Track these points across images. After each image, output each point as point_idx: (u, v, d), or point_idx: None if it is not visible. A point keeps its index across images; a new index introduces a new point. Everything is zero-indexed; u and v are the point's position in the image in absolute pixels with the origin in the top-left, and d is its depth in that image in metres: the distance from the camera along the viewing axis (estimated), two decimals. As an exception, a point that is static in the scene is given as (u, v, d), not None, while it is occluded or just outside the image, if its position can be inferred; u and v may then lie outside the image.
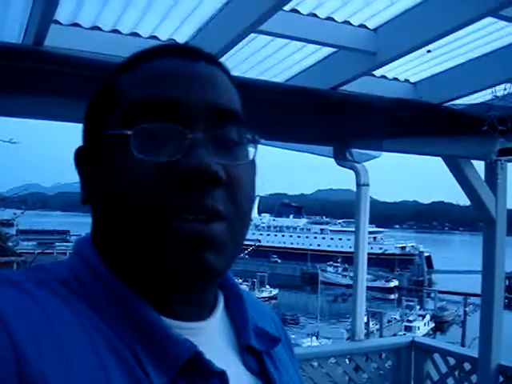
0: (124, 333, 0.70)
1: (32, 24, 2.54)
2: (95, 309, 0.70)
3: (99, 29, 2.78)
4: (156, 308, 0.73)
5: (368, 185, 4.41)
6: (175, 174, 0.68)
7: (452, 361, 4.38)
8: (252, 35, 2.85)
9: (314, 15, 2.80)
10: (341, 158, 4.03)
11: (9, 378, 0.59)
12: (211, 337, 0.80)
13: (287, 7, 2.65)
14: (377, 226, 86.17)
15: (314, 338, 32.91)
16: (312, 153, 4.82)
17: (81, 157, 0.80)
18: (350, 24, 2.90)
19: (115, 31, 2.82)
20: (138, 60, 0.77)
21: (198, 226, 0.69)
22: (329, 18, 2.83)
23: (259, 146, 0.79)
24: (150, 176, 0.69)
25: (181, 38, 2.95)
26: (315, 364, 4.33)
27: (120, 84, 0.76)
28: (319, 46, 3.13)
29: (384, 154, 4.48)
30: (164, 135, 0.70)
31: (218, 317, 0.83)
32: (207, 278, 0.72)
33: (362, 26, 2.92)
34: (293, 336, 34.31)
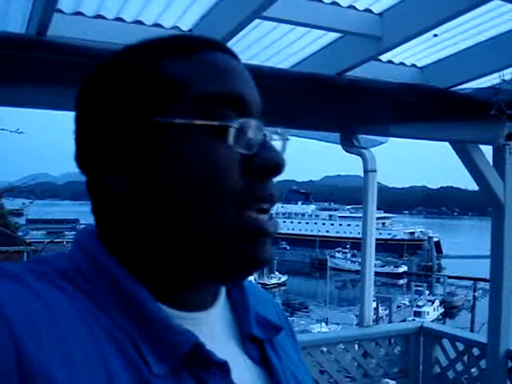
0: (125, 323, 0.69)
1: (35, 14, 2.53)
2: (96, 300, 0.70)
3: (102, 17, 2.77)
4: (159, 298, 0.73)
5: (375, 171, 4.40)
6: (256, 166, 0.72)
7: (461, 346, 4.39)
8: (257, 21, 2.83)
9: (319, 0, 2.77)
10: (348, 145, 4.01)
11: (9, 372, 0.59)
12: (213, 327, 0.80)
13: (291, -8, 2.63)
14: (385, 212, 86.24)
15: (324, 323, 33.06)
16: (319, 139, 4.80)
17: (109, 144, 0.74)
18: (355, 8, 2.87)
19: (119, 19, 2.81)
20: (186, 49, 0.76)
21: (269, 222, 0.75)
22: (333, 3, 2.80)
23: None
24: (234, 166, 0.71)
25: (185, 25, 2.93)
26: (324, 350, 4.34)
27: (173, 72, 0.73)
28: (324, 32, 3.11)
29: (392, 139, 4.46)
30: (249, 129, 0.73)
31: (220, 306, 0.83)
32: (262, 267, 0.76)
33: (367, 10, 2.89)
34: (302, 322, 34.52)
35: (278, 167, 0.74)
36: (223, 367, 0.73)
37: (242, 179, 0.72)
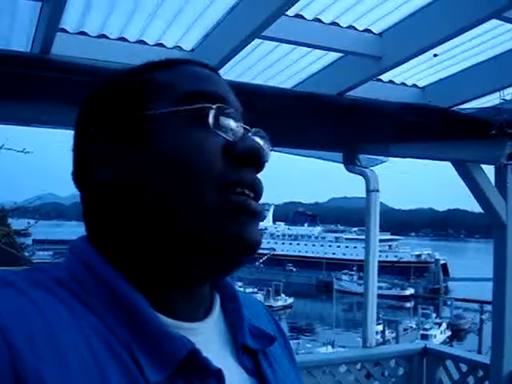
0: (121, 331, 0.70)
1: (39, 33, 2.57)
2: (91, 307, 0.70)
3: (106, 37, 2.80)
4: (156, 308, 0.74)
5: (378, 191, 4.39)
6: (237, 151, 0.76)
7: (464, 367, 4.34)
8: (258, 41, 2.86)
9: (319, 20, 2.80)
10: (350, 164, 4.02)
11: (4, 378, 0.59)
12: (208, 337, 0.80)
13: (291, 13, 2.66)
14: (392, 234, 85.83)
15: (330, 346, 32.75)
16: (321, 158, 4.81)
17: (96, 138, 0.79)
18: (355, 29, 2.90)
19: (122, 39, 2.84)
20: (170, 64, 0.83)
21: (251, 201, 0.77)
22: (333, 23, 2.83)
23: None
24: (216, 150, 0.75)
25: (187, 44, 2.97)
26: (326, 370, 4.30)
27: (162, 78, 0.81)
28: (325, 52, 3.13)
29: (398, 160, 4.47)
30: (231, 118, 0.79)
31: (215, 317, 0.84)
32: (249, 249, 0.77)
33: (367, 30, 2.92)
34: (308, 345, 34.24)
35: (259, 155, 0.78)
36: (218, 375, 0.73)
37: (224, 164, 0.75)
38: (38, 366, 0.61)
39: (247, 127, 0.82)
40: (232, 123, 0.78)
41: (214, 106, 0.77)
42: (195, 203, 0.74)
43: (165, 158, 0.75)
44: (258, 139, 0.82)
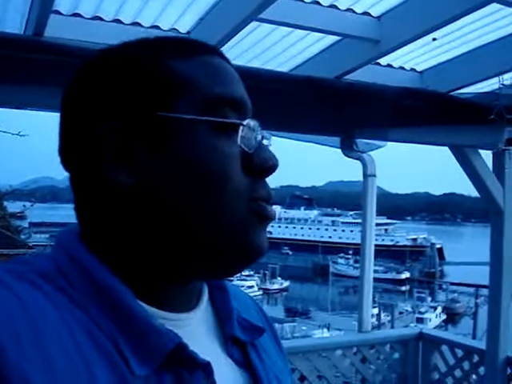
0: (106, 324, 0.69)
1: (32, 14, 2.53)
2: (76, 300, 0.69)
3: (100, 19, 2.77)
4: (143, 298, 0.73)
5: (375, 175, 4.38)
6: (255, 165, 0.77)
7: (460, 353, 4.35)
8: (255, 24, 2.83)
9: (317, 3, 2.76)
10: (347, 149, 4.00)
11: None
12: (196, 328, 0.80)
13: (289, -5, 2.63)
14: (388, 218, 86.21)
15: (326, 329, 33.01)
16: (319, 143, 4.79)
17: (113, 135, 0.74)
18: (354, 12, 2.86)
19: (116, 21, 2.80)
20: (191, 50, 0.79)
21: (267, 206, 0.78)
22: (332, 6, 2.80)
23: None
24: (238, 162, 0.75)
25: (183, 27, 2.93)
26: (323, 354, 4.32)
27: (184, 71, 0.76)
28: (323, 35, 3.10)
29: (395, 145, 4.45)
30: (251, 128, 0.78)
31: (203, 308, 0.83)
32: (261, 256, 0.79)
33: (365, 13, 2.89)
34: (304, 328, 34.47)
35: (274, 167, 0.79)
36: (206, 368, 0.73)
37: (243, 175, 0.76)
38: (23, 365, 0.60)
39: (260, 134, 0.81)
40: (253, 136, 0.78)
41: (244, 123, 0.77)
42: (216, 214, 0.74)
43: (190, 168, 0.73)
44: (266, 142, 0.81)
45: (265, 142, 0.81)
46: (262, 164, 0.77)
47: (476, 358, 4.23)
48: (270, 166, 0.78)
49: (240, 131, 0.76)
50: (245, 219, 0.75)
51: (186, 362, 0.71)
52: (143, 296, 0.73)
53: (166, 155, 0.73)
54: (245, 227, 0.75)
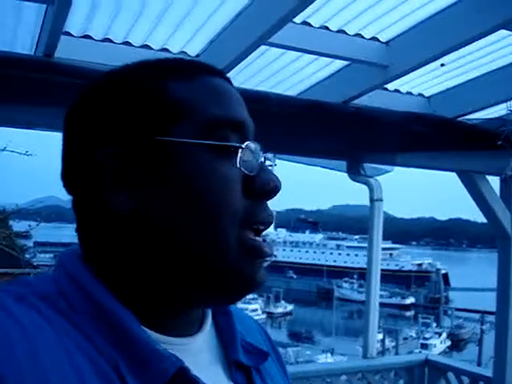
0: (107, 348, 0.68)
1: (43, 35, 2.55)
2: (77, 324, 0.68)
3: (110, 41, 2.79)
4: (145, 323, 0.72)
5: (382, 200, 4.37)
6: (257, 188, 0.75)
7: (466, 380, 4.30)
8: (264, 48, 2.85)
9: (326, 28, 2.78)
10: (354, 173, 4.00)
11: None
12: (199, 352, 0.78)
13: (298, 20, 2.65)
14: (393, 243, 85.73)
15: (329, 354, 32.71)
16: (325, 167, 4.79)
17: (113, 160, 0.73)
18: (362, 37, 2.88)
19: (126, 43, 2.83)
20: (189, 72, 0.78)
21: (265, 244, 0.76)
22: (340, 31, 2.81)
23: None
24: (237, 186, 0.74)
25: (192, 50, 2.95)
26: (328, 380, 4.27)
27: (183, 92, 0.75)
28: (331, 59, 3.12)
29: (400, 169, 4.44)
30: (252, 152, 0.76)
31: (207, 332, 0.82)
32: (257, 288, 0.77)
33: (373, 38, 2.90)
34: (308, 352, 34.17)
35: (276, 189, 0.77)
36: None
37: (243, 199, 0.74)
38: None
39: (263, 156, 0.79)
40: (254, 159, 0.76)
41: (243, 146, 0.75)
42: (213, 240, 0.72)
43: (188, 192, 0.72)
44: (268, 163, 0.80)
45: (267, 163, 0.79)
46: (263, 186, 0.75)
47: (483, 386, 4.18)
48: (272, 188, 0.76)
49: (240, 153, 0.74)
50: (242, 251, 0.73)
51: None
52: (145, 320, 0.72)
53: (165, 180, 0.72)
54: (239, 263, 0.73)
